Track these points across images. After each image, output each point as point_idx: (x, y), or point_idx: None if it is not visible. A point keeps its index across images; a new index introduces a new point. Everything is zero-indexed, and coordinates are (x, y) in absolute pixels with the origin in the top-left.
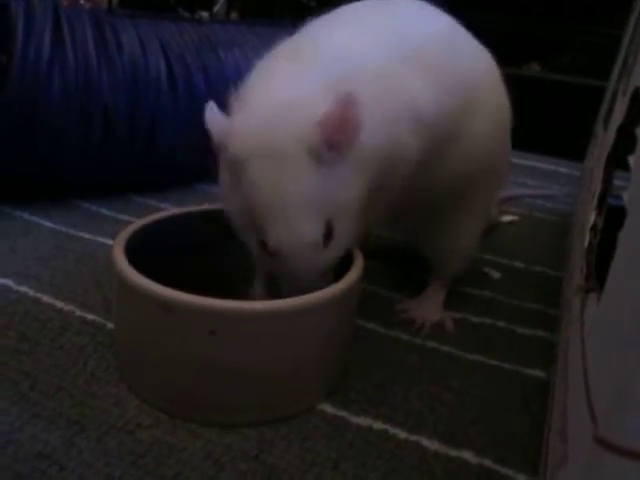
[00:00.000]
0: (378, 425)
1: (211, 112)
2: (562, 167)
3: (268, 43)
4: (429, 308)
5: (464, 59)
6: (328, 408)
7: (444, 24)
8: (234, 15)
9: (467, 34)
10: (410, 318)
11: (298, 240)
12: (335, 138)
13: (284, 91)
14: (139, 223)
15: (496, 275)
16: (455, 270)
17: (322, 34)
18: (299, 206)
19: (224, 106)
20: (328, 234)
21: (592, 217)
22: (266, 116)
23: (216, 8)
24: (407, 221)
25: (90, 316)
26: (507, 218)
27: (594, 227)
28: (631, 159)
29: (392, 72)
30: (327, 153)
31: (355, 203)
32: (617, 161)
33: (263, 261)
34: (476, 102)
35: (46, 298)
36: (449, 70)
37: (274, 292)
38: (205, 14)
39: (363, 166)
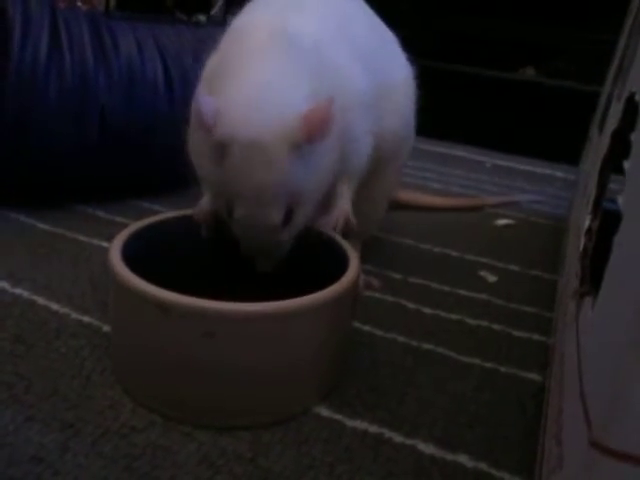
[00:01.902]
0: (374, 429)
1: (201, 93)
2: (558, 171)
3: None
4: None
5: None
6: (324, 411)
7: (375, 20)
8: (231, 18)
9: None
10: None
11: (260, 221)
12: (314, 135)
13: (267, 81)
14: (136, 226)
15: (492, 278)
16: (369, 231)
17: (291, 20)
18: (269, 194)
19: None
20: (287, 218)
21: (587, 221)
22: (252, 105)
23: (213, 11)
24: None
25: (86, 318)
26: (503, 222)
27: (589, 231)
28: (626, 164)
29: (344, 66)
30: (305, 147)
31: (317, 191)
32: (612, 165)
33: (229, 222)
34: (393, 84)
35: (41, 300)
36: (379, 63)
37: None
38: (202, 17)
39: (328, 157)
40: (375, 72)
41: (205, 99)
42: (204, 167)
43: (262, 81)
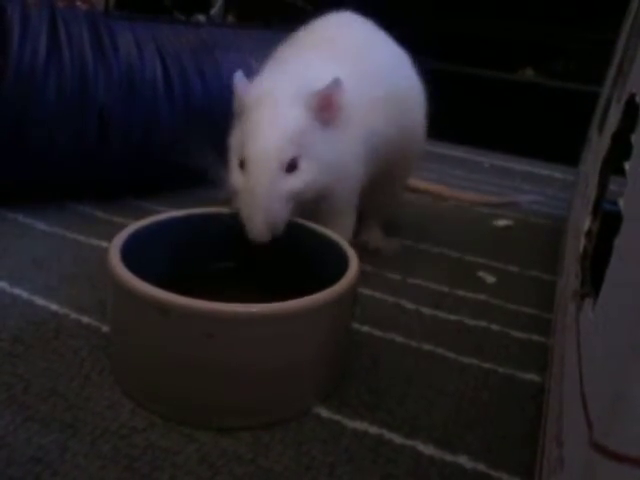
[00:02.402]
0: (374, 430)
1: (239, 77)
2: (557, 172)
3: (264, 46)
4: (379, 235)
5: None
6: (324, 412)
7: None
8: (230, 18)
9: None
10: (376, 247)
11: (266, 153)
12: (326, 108)
13: (294, 71)
14: (135, 226)
15: (491, 279)
16: (391, 212)
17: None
18: (276, 133)
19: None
20: (293, 166)
21: (587, 222)
22: (275, 80)
23: (213, 11)
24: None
25: (85, 319)
26: (502, 223)
27: (589, 232)
28: (627, 165)
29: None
30: (319, 115)
31: (325, 165)
32: (612, 167)
33: (237, 180)
34: (411, 95)
35: (40, 301)
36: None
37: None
38: (201, 17)
39: (349, 136)
40: (393, 93)
41: (240, 80)
42: (235, 137)
43: (287, 70)
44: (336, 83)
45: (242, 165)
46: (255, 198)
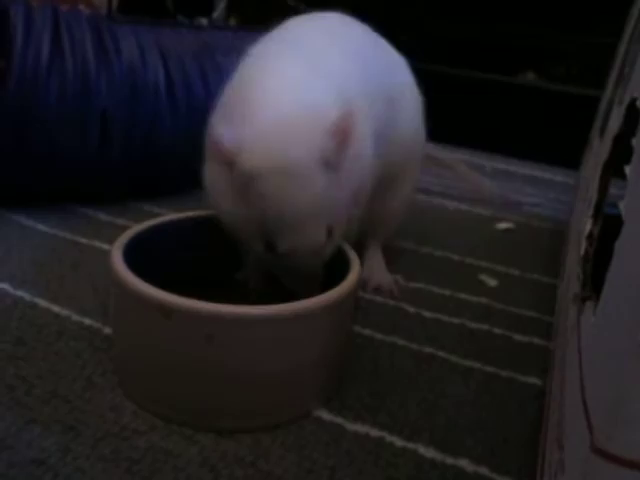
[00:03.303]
0: (375, 432)
1: (218, 127)
2: (558, 175)
3: None
4: (380, 272)
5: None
6: (325, 415)
7: (384, 46)
8: (233, 21)
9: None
10: (376, 287)
11: (307, 246)
12: (342, 147)
13: (293, 103)
14: (137, 228)
15: (492, 282)
16: (392, 231)
17: (313, 49)
18: (310, 216)
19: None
20: (329, 234)
21: (588, 225)
22: (278, 131)
23: (215, 14)
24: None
25: (87, 321)
26: (503, 226)
27: (590, 235)
28: (627, 169)
29: (364, 93)
30: (334, 157)
31: (349, 204)
32: (613, 170)
33: (267, 261)
34: (403, 103)
35: (42, 303)
36: (388, 85)
37: (269, 287)
38: (204, 20)
39: (355, 171)
40: (385, 99)
41: (221, 133)
42: (232, 209)
43: (284, 104)
44: (347, 116)
45: (270, 248)
46: (303, 278)
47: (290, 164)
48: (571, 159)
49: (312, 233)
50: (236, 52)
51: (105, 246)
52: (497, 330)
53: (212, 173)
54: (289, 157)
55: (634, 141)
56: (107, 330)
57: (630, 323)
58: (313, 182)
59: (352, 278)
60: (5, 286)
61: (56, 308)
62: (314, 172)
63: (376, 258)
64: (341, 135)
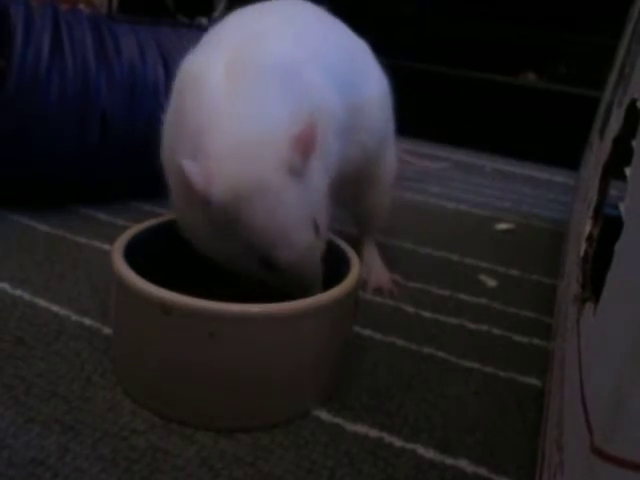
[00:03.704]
0: (374, 433)
1: (188, 165)
2: (557, 176)
3: None
4: (379, 270)
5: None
6: (324, 415)
7: (345, 32)
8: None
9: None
10: (376, 287)
11: (302, 249)
12: (306, 153)
13: (249, 122)
14: (137, 228)
15: (492, 283)
16: (381, 223)
17: (261, 43)
18: (297, 223)
19: None
20: (316, 229)
21: (588, 227)
22: (242, 153)
23: (215, 14)
24: (341, 193)
25: (86, 321)
26: (503, 226)
27: (590, 237)
28: (628, 170)
29: (322, 88)
30: (302, 167)
31: (324, 196)
32: (613, 171)
33: (265, 278)
34: (367, 89)
35: (42, 302)
36: (351, 78)
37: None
38: (204, 20)
39: (321, 166)
40: (348, 90)
41: (192, 170)
42: (217, 243)
43: (243, 123)
44: (311, 123)
45: (266, 266)
46: (308, 280)
47: (263, 183)
48: (571, 160)
49: (303, 239)
50: None
51: (105, 246)
52: (496, 330)
53: (186, 214)
54: (260, 178)
55: (634, 142)
56: (107, 330)
57: (630, 324)
58: (288, 193)
59: (352, 277)
60: (5, 285)
61: (55, 308)
62: (286, 184)
63: (373, 256)
64: (304, 146)
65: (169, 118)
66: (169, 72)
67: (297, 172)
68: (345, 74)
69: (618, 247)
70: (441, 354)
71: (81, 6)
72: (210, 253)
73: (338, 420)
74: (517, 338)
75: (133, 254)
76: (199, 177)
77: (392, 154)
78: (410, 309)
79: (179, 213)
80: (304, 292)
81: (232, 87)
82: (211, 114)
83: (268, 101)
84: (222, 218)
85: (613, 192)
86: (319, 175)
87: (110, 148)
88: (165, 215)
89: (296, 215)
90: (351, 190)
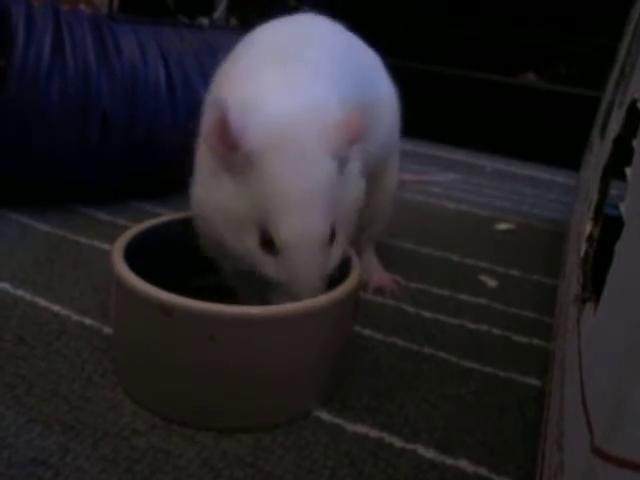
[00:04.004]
0: (374, 433)
1: (230, 107)
2: (558, 176)
3: None
4: (379, 272)
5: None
6: (324, 415)
7: (365, 50)
8: (233, 21)
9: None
10: (377, 287)
11: (311, 234)
12: (350, 142)
13: (302, 99)
14: (138, 228)
15: (492, 283)
16: (382, 230)
17: (308, 46)
18: (316, 200)
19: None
20: (333, 236)
21: (588, 227)
22: (289, 116)
23: (216, 14)
24: None
25: (87, 320)
26: (503, 226)
27: (590, 237)
28: (628, 171)
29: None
30: (343, 152)
31: (352, 211)
32: (614, 171)
33: (267, 267)
34: (380, 102)
35: (42, 302)
36: (369, 82)
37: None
38: (205, 20)
39: (357, 168)
40: (364, 94)
41: (230, 114)
42: (226, 199)
43: (292, 96)
44: (356, 115)
45: (267, 243)
46: (305, 291)
47: (298, 144)
48: (571, 160)
49: (315, 222)
50: None
51: (105, 246)
52: (497, 331)
53: (206, 164)
54: (298, 137)
55: (635, 143)
56: (107, 330)
57: (630, 324)
58: (320, 166)
59: (353, 278)
60: (5, 285)
61: (56, 307)
62: (322, 156)
63: (372, 258)
64: (350, 131)
65: (225, 68)
66: (170, 72)
67: (336, 154)
68: (359, 89)
69: (618, 247)
70: (441, 354)
71: (82, 6)
72: (216, 237)
73: (339, 420)
74: (517, 338)
75: (133, 254)
76: (238, 117)
77: (396, 162)
78: (410, 309)
79: (199, 183)
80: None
81: (292, 77)
82: (266, 81)
83: (318, 88)
84: (244, 167)
85: (613, 192)
86: (357, 179)
87: (111, 148)
88: (165, 215)
89: (315, 199)
90: None
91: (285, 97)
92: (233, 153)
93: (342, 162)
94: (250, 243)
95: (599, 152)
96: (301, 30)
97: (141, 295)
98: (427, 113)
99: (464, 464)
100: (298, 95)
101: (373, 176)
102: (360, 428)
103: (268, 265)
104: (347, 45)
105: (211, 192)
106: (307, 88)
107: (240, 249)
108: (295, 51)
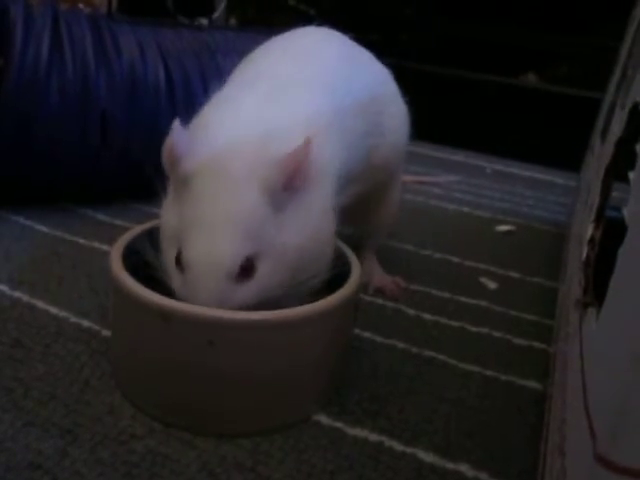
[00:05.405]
0: (374, 437)
1: (177, 128)
2: (558, 177)
3: None
4: (379, 274)
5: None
6: (324, 419)
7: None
8: (233, 22)
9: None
10: (378, 288)
11: (214, 259)
12: (292, 181)
13: (251, 124)
14: (137, 229)
15: (492, 285)
16: (385, 234)
17: (282, 72)
18: (228, 228)
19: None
20: (247, 269)
21: (590, 230)
22: (228, 143)
23: (215, 15)
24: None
25: (85, 323)
26: (504, 228)
27: (592, 240)
28: (631, 174)
29: (336, 120)
30: (280, 193)
31: (292, 253)
32: (615, 174)
33: (175, 282)
34: (387, 115)
35: (41, 304)
36: (369, 100)
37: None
38: (204, 20)
39: (314, 210)
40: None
41: (177, 133)
42: (167, 215)
43: (242, 123)
44: (306, 146)
45: (178, 260)
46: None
47: (225, 173)
48: (572, 161)
49: (221, 249)
50: (236, 52)
51: (104, 247)
52: (497, 333)
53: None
54: (226, 167)
55: (637, 146)
56: (105, 332)
57: (633, 330)
58: (242, 198)
59: (353, 282)
60: (3, 287)
61: (54, 309)
62: (247, 189)
63: (372, 262)
64: (293, 166)
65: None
66: (169, 71)
67: (272, 193)
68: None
69: (621, 252)
70: (441, 357)
71: (81, 5)
72: (162, 227)
73: (338, 424)
74: (518, 341)
75: (132, 256)
76: (183, 140)
77: (401, 170)
78: (410, 311)
79: (165, 198)
80: None
81: (247, 107)
82: (229, 107)
83: (282, 116)
84: (180, 185)
85: (615, 194)
86: (318, 216)
87: (110, 148)
88: None
89: (227, 227)
90: (360, 207)
91: (236, 125)
92: (172, 173)
93: (280, 199)
94: (170, 258)
95: (600, 154)
96: (296, 51)
97: (139, 300)
98: (427, 114)
99: (464, 468)
100: (252, 124)
101: (378, 188)
102: (360, 432)
103: (176, 281)
104: (346, 64)
105: (163, 207)
106: (268, 116)
107: (165, 263)
108: (279, 76)
